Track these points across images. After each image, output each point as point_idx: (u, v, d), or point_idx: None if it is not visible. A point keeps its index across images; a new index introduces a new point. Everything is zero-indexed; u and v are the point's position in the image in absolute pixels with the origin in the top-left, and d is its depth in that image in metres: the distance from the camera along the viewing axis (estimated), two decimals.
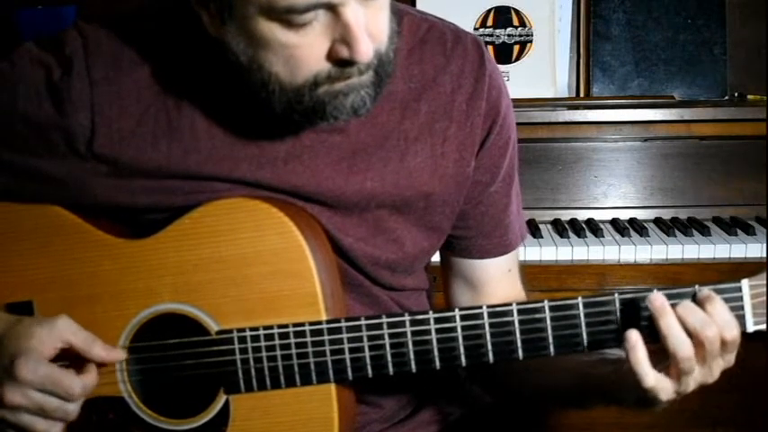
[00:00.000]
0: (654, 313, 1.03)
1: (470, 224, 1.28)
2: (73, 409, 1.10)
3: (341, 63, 1.01)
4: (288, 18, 0.97)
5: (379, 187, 1.18)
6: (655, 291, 1.04)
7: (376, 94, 1.06)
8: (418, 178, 1.19)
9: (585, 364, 1.18)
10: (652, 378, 1.04)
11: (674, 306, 1.03)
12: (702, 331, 1.02)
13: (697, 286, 1.05)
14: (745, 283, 1.05)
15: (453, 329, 1.09)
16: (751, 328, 1.05)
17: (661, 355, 1.04)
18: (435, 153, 1.20)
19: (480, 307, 1.09)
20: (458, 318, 1.09)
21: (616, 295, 1.07)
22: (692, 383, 1.06)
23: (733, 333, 1.03)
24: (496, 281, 1.33)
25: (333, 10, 0.97)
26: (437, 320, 1.09)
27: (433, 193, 1.21)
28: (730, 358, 1.07)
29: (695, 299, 1.04)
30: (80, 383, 1.10)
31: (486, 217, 1.28)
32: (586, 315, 1.07)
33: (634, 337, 1.03)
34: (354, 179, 1.17)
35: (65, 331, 1.09)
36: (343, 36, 0.98)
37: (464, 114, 1.20)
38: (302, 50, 1.00)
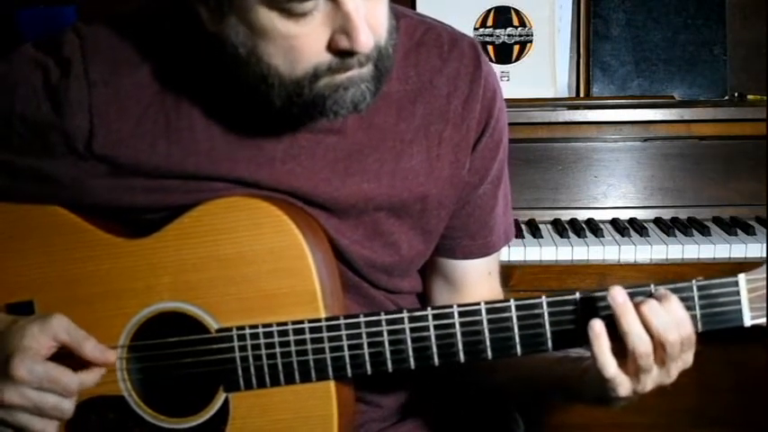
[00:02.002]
0: (615, 310, 1.03)
1: (456, 225, 1.28)
2: (69, 407, 1.10)
3: (341, 54, 1.00)
4: (288, 7, 0.97)
5: (375, 189, 1.18)
6: (616, 287, 1.04)
7: (376, 89, 1.05)
8: (414, 180, 1.19)
9: (547, 361, 1.19)
10: (613, 368, 1.04)
11: (640, 304, 1.03)
12: (666, 334, 1.02)
13: (694, 281, 1.06)
14: (741, 277, 1.06)
15: (451, 326, 1.09)
16: (748, 322, 1.06)
17: (620, 353, 1.04)
18: (431, 155, 1.20)
19: (478, 303, 1.09)
20: (456, 314, 1.09)
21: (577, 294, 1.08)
22: (649, 383, 1.06)
23: (687, 330, 1.03)
24: (476, 282, 1.33)
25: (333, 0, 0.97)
26: (435, 317, 1.09)
27: (429, 195, 1.21)
28: (687, 358, 1.07)
29: (652, 297, 1.04)
30: (77, 380, 1.10)
31: (472, 218, 1.28)
32: (583, 311, 1.07)
33: (598, 326, 1.03)
34: (351, 180, 1.17)
35: (58, 329, 1.09)
36: (343, 26, 0.98)
37: (459, 117, 1.20)
38: (302, 41, 0.99)
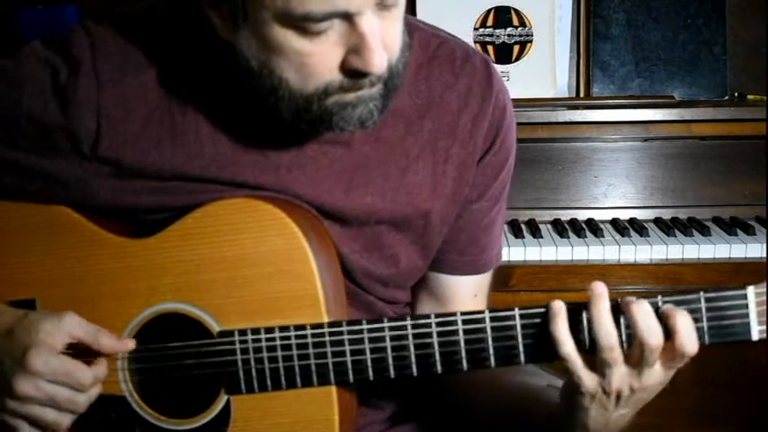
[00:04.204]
0: (591, 299, 1.02)
1: (445, 238, 1.26)
2: (83, 400, 1.11)
3: (353, 74, 1.00)
4: (303, 25, 0.96)
5: (378, 202, 1.17)
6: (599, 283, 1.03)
7: (383, 107, 1.05)
8: (418, 196, 1.19)
9: (535, 387, 1.20)
10: (569, 346, 1.03)
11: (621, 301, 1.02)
12: (646, 338, 1.00)
13: (702, 292, 1.04)
14: (750, 290, 1.03)
15: (455, 333, 1.08)
16: (756, 336, 1.03)
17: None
18: (436, 171, 1.19)
19: (482, 312, 1.08)
20: (459, 322, 1.08)
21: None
22: (615, 380, 1.03)
23: (694, 348, 1.01)
24: (460, 301, 1.32)
25: (349, 19, 0.96)
26: (439, 324, 1.09)
27: (432, 211, 1.20)
28: (669, 375, 1.05)
29: (658, 311, 1.02)
30: (91, 374, 1.10)
31: (463, 233, 1.27)
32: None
33: (557, 305, 1.04)
34: (354, 193, 1.16)
35: (72, 325, 1.09)
36: (357, 46, 0.98)
37: (468, 134, 1.19)
38: (315, 59, 0.99)
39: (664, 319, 1.01)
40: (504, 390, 1.22)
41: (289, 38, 0.98)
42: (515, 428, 1.22)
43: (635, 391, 1.05)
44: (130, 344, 1.15)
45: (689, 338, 1.01)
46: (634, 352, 1.02)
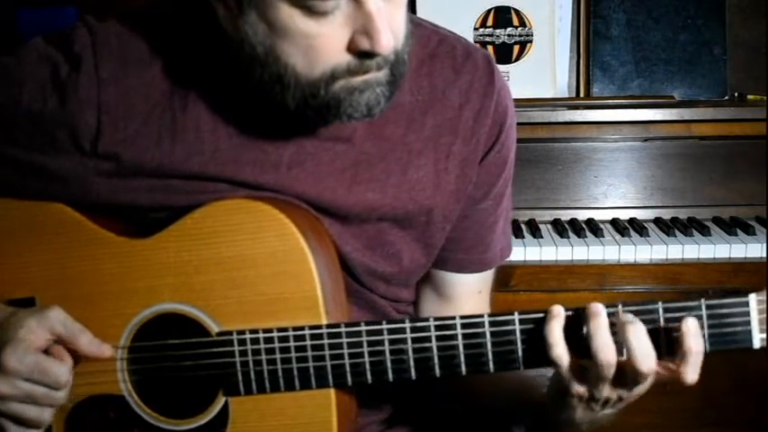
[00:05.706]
0: (588, 317, 1.02)
1: (452, 237, 1.26)
2: (61, 396, 1.11)
3: (360, 55, 1.00)
4: (310, 5, 0.96)
5: (380, 199, 1.17)
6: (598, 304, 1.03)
7: (390, 94, 1.05)
8: (420, 192, 1.19)
9: (529, 382, 1.20)
10: (560, 349, 1.03)
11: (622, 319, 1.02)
12: (640, 364, 1.00)
13: (703, 300, 1.03)
14: (752, 297, 1.02)
15: (454, 337, 1.08)
16: (757, 344, 1.02)
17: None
18: (438, 168, 1.19)
19: (482, 315, 1.08)
20: (458, 325, 1.08)
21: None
22: (605, 392, 1.04)
23: (649, 365, 1.01)
24: (465, 298, 1.32)
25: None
26: (438, 328, 1.08)
27: (435, 207, 1.20)
28: (641, 389, 1.05)
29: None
30: (67, 371, 1.10)
31: (470, 232, 1.27)
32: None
33: (555, 309, 1.04)
34: (356, 189, 1.16)
35: (54, 322, 1.10)
36: (364, 26, 0.98)
37: (470, 130, 1.19)
38: (322, 40, 0.99)
39: (665, 337, 1.02)
40: (499, 378, 1.22)
41: (295, 19, 0.98)
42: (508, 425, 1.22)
43: (623, 399, 1.06)
44: (110, 351, 1.14)
45: (694, 367, 1.01)
46: (627, 372, 1.02)
